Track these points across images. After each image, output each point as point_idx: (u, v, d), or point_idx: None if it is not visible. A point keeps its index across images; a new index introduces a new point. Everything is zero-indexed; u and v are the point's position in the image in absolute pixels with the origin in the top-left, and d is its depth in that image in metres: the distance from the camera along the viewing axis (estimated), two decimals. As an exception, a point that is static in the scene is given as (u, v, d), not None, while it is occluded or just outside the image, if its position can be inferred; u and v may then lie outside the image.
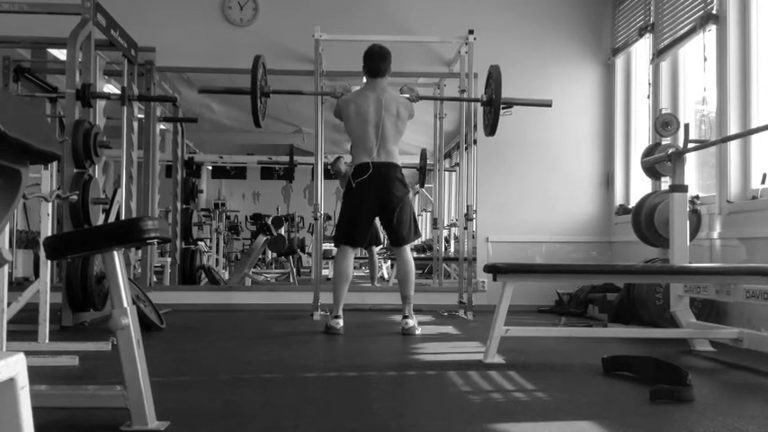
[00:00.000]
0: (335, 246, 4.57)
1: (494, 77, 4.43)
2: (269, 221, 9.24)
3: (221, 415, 2.14)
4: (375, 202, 4.31)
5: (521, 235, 6.10)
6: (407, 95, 4.47)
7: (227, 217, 10.99)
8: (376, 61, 4.39)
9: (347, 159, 4.49)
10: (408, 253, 4.43)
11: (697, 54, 4.72)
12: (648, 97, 5.36)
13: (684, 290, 3.60)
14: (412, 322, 4.25)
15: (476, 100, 5.02)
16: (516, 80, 6.21)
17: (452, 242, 9.21)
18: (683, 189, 3.70)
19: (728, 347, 3.52)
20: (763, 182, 4.03)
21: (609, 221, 6.16)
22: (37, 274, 4.28)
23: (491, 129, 4.54)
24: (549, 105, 4.76)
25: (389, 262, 9.18)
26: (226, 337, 4.26)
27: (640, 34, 5.50)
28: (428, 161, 8.12)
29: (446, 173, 10.15)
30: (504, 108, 4.44)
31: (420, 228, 5.08)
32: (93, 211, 4.33)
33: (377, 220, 4.81)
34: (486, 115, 4.64)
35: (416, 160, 8.57)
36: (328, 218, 9.87)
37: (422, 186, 8.52)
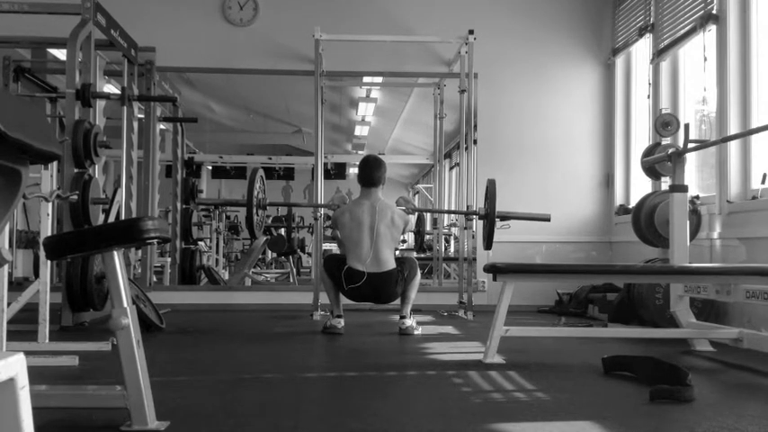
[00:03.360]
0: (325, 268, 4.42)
1: (490, 192, 4.51)
2: (269, 221, 9.23)
3: (221, 415, 2.14)
4: (368, 299, 4.36)
5: (521, 235, 6.09)
6: (403, 207, 4.49)
7: (227, 217, 10.98)
8: (370, 170, 4.39)
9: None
10: (414, 259, 4.50)
11: (697, 54, 4.72)
12: (648, 97, 5.36)
13: (684, 290, 3.60)
14: (409, 322, 4.25)
15: (472, 213, 5.10)
16: (516, 80, 6.24)
17: (452, 242, 9.21)
18: (683, 189, 3.70)
19: (728, 347, 3.52)
20: (763, 182, 4.03)
21: (609, 221, 6.16)
22: (37, 274, 4.28)
23: (487, 243, 4.62)
24: (548, 220, 4.81)
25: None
26: (226, 337, 4.26)
27: (640, 34, 5.50)
28: (429, 162, 8.11)
29: (446, 173, 10.16)
30: (501, 221, 4.54)
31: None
32: (93, 211, 4.33)
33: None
34: (484, 226, 4.69)
35: (417, 160, 8.56)
36: (328, 218, 9.87)
37: (418, 252, 8.50)
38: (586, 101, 6.26)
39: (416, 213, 4.86)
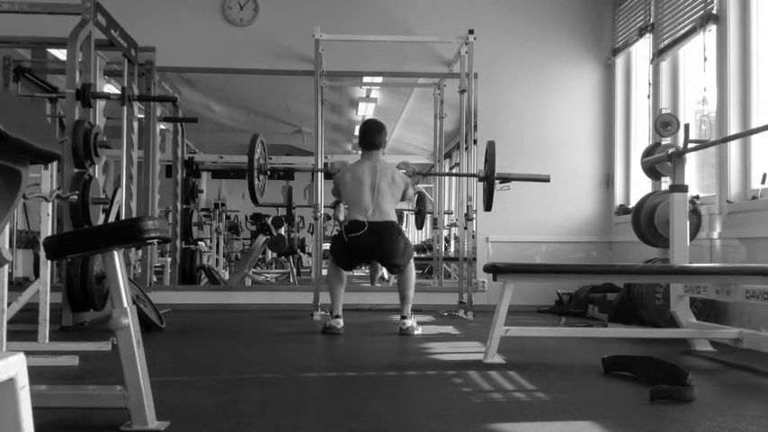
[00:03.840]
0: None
1: (489, 154, 4.51)
2: (269, 221, 9.24)
3: (221, 415, 2.14)
4: (369, 254, 4.37)
5: (521, 235, 6.10)
6: (404, 170, 4.50)
7: (227, 217, 10.97)
8: (371, 134, 4.45)
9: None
10: (412, 246, 4.48)
11: (697, 54, 4.72)
12: (648, 97, 5.36)
13: (684, 290, 3.60)
14: (410, 322, 4.25)
15: (472, 175, 5.07)
16: (516, 80, 6.24)
17: (452, 242, 9.21)
18: (683, 189, 3.70)
19: (728, 347, 3.52)
20: (763, 182, 4.03)
21: (609, 221, 6.16)
22: (37, 274, 4.28)
23: (487, 204, 4.62)
24: (548, 181, 4.80)
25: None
26: (226, 337, 4.26)
27: (640, 34, 5.50)
28: (430, 162, 8.13)
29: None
30: (501, 183, 4.53)
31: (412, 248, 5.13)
32: (93, 211, 4.33)
33: None
34: (484, 189, 4.69)
35: (417, 160, 8.57)
36: (328, 218, 9.88)
37: (420, 228, 8.55)
38: (586, 101, 6.26)
39: (417, 185, 4.82)
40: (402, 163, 4.65)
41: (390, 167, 4.42)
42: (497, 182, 4.52)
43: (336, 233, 4.52)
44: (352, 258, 4.43)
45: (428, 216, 8.14)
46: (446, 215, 8.91)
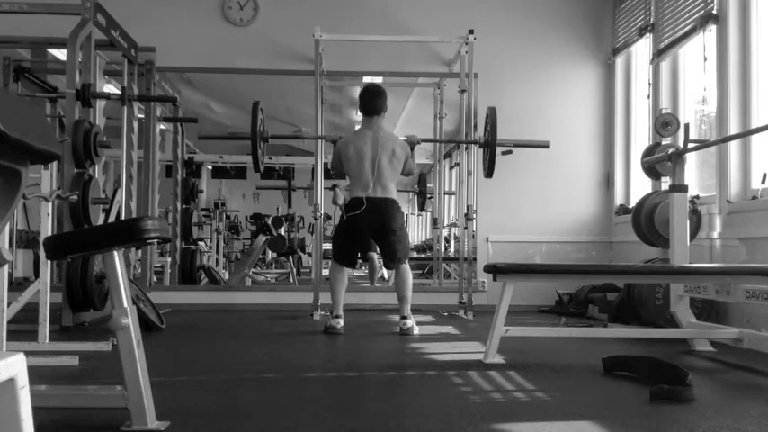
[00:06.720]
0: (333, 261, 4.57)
1: (490, 119, 4.48)
2: (269, 221, 9.24)
3: (221, 415, 2.14)
4: (368, 234, 4.36)
5: (521, 235, 6.09)
6: (405, 138, 4.49)
7: (227, 217, 10.97)
8: (371, 99, 4.42)
9: (344, 184, 4.56)
10: (408, 244, 4.49)
11: (697, 54, 4.73)
12: (648, 97, 5.36)
13: (684, 290, 3.60)
14: (410, 322, 4.25)
15: (473, 142, 5.07)
16: (516, 80, 6.24)
17: (452, 242, 9.20)
18: (683, 189, 3.71)
19: (728, 347, 3.52)
20: (763, 182, 4.03)
21: (609, 221, 6.16)
22: (37, 274, 4.28)
23: (488, 171, 4.62)
24: (547, 147, 4.83)
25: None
26: (226, 337, 4.26)
27: (640, 34, 5.50)
28: (429, 162, 8.14)
29: (446, 173, 10.15)
30: (502, 151, 4.53)
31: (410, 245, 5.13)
32: (93, 211, 4.33)
33: None
34: (484, 157, 4.68)
35: (417, 160, 8.58)
36: (328, 218, 9.89)
37: (421, 210, 8.56)
38: (586, 101, 6.26)
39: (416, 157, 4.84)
40: (406, 136, 4.63)
41: (391, 138, 4.40)
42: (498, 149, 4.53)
43: (339, 222, 4.51)
44: (353, 238, 4.38)
45: (428, 215, 8.15)
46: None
